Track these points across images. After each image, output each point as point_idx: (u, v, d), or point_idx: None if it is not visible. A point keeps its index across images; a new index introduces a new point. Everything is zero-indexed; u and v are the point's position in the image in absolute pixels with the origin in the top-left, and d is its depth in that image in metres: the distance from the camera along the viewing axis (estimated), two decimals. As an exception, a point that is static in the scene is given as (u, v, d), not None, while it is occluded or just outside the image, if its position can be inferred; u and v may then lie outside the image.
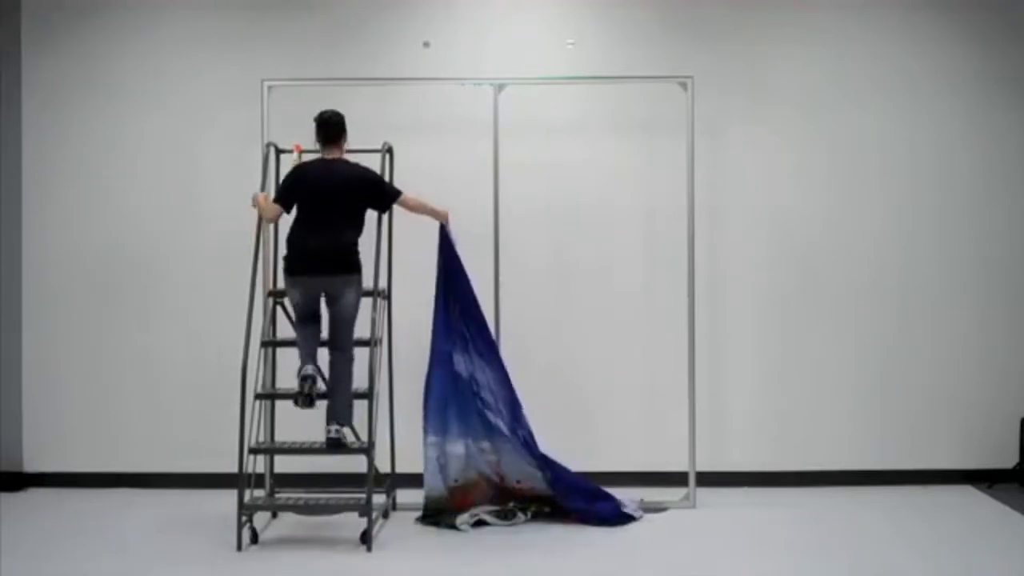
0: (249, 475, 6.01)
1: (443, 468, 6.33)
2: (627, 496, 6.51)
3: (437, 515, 6.32)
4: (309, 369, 6.04)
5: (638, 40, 7.19)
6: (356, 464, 6.15)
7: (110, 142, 7.26)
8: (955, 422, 7.23)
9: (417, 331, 6.49)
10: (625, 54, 7.17)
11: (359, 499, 5.97)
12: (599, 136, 7.19)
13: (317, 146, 6.18)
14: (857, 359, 7.21)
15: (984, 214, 7.24)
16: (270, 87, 6.66)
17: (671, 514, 6.54)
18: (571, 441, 6.59)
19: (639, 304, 7.18)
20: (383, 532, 6.19)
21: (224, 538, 5.96)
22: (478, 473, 6.36)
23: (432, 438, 6.32)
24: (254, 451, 6.08)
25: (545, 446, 6.37)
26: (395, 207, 6.27)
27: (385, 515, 6.46)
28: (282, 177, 6.33)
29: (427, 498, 6.36)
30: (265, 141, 6.53)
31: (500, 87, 6.71)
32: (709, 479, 6.87)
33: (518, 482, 6.37)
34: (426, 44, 7.18)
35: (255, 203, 6.20)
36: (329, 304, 6.12)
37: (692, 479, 6.69)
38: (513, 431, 6.30)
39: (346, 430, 6.13)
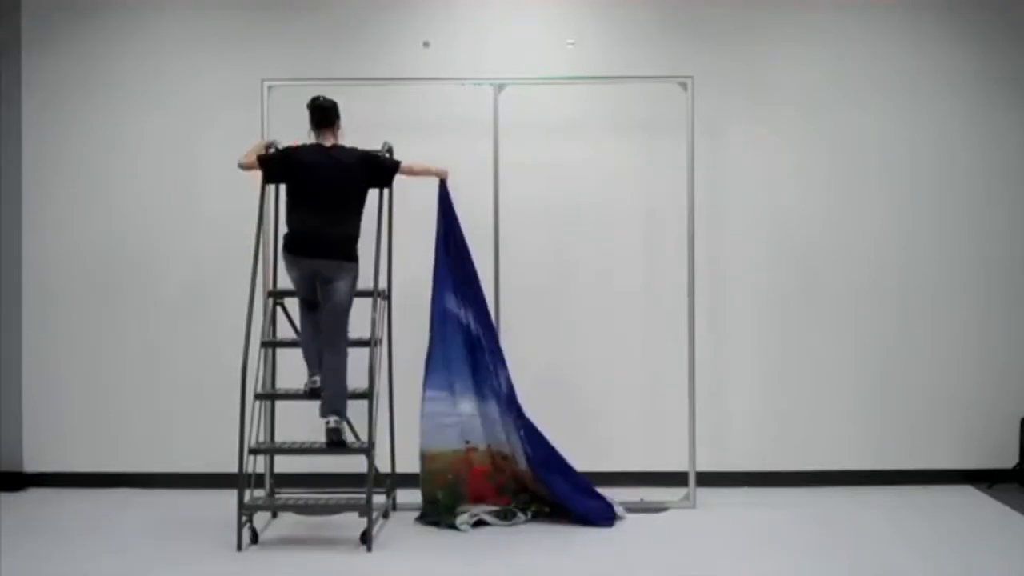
0: (249, 475, 6.02)
1: (442, 429, 6.34)
2: (612, 498, 6.52)
3: (436, 513, 6.33)
4: (318, 380, 6.10)
5: (638, 40, 7.20)
6: (356, 464, 6.15)
7: (110, 142, 7.27)
8: (955, 422, 7.23)
9: (417, 330, 6.50)
10: (625, 54, 7.17)
11: (359, 499, 5.97)
12: (599, 136, 7.19)
13: (312, 137, 6.19)
14: (857, 359, 7.21)
15: (984, 214, 7.24)
16: (270, 87, 6.67)
17: (671, 514, 6.54)
18: (571, 441, 6.58)
19: (639, 304, 7.19)
20: (383, 532, 6.19)
21: (224, 538, 5.96)
22: (469, 444, 6.37)
23: (431, 393, 6.36)
24: (254, 451, 6.08)
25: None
26: (397, 207, 6.28)
27: (385, 515, 6.46)
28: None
29: (423, 456, 6.34)
30: (265, 141, 6.53)
31: (500, 87, 6.71)
32: (709, 479, 6.88)
33: (504, 458, 6.39)
34: (426, 44, 7.18)
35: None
36: (322, 288, 6.06)
37: (692, 479, 6.69)
38: (497, 392, 6.34)
39: (343, 425, 6.12)
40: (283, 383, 6.55)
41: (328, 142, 6.15)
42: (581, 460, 6.57)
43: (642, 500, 6.67)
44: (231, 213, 7.03)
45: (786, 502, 6.79)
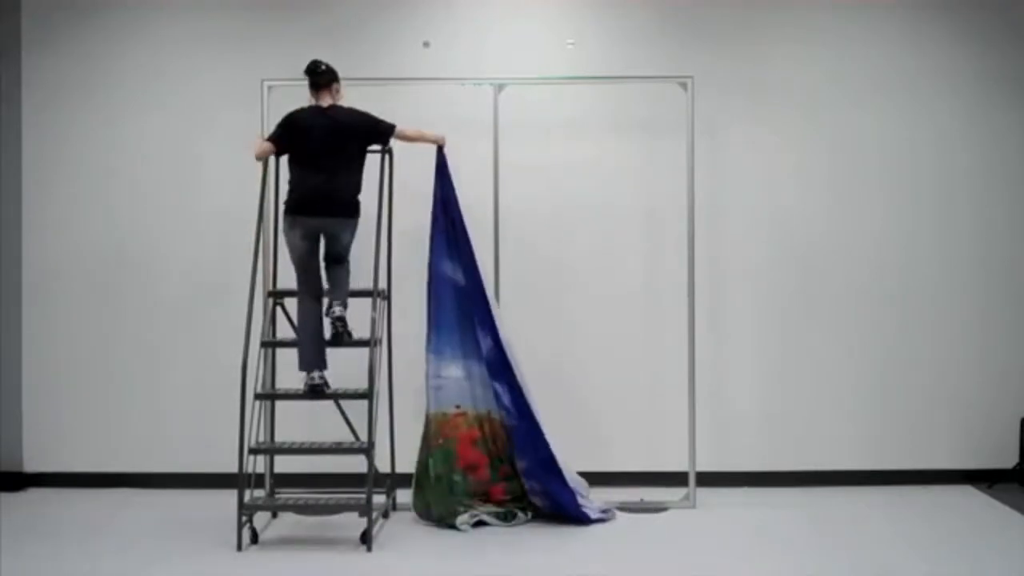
0: (249, 475, 6.02)
1: (435, 392, 6.39)
2: (597, 498, 6.51)
3: (425, 480, 6.33)
4: (316, 377, 6.12)
5: (638, 40, 7.20)
6: (356, 464, 6.15)
7: (110, 142, 7.26)
8: (955, 422, 7.23)
9: (416, 331, 6.50)
10: (625, 54, 7.17)
11: (359, 499, 5.97)
12: (599, 136, 7.19)
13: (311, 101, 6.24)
14: (857, 359, 7.21)
15: (984, 214, 7.24)
16: (270, 87, 6.67)
17: (671, 514, 6.54)
18: (571, 441, 6.57)
19: (639, 304, 7.18)
20: (383, 532, 6.19)
21: (224, 538, 5.96)
22: (462, 409, 6.41)
23: (428, 355, 6.41)
24: (254, 451, 6.08)
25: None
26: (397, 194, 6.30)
27: (385, 515, 6.46)
28: (283, 177, 6.33)
29: (425, 420, 6.41)
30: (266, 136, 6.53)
31: (500, 87, 6.71)
32: (709, 479, 6.88)
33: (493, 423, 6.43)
34: (426, 44, 7.18)
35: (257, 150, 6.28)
36: (327, 243, 6.19)
37: (692, 479, 6.69)
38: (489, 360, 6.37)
39: (343, 314, 6.20)
40: (283, 383, 6.55)
41: (326, 102, 6.20)
42: (581, 460, 6.57)
43: (642, 500, 6.67)
44: (231, 213, 7.03)
45: (786, 502, 6.79)
